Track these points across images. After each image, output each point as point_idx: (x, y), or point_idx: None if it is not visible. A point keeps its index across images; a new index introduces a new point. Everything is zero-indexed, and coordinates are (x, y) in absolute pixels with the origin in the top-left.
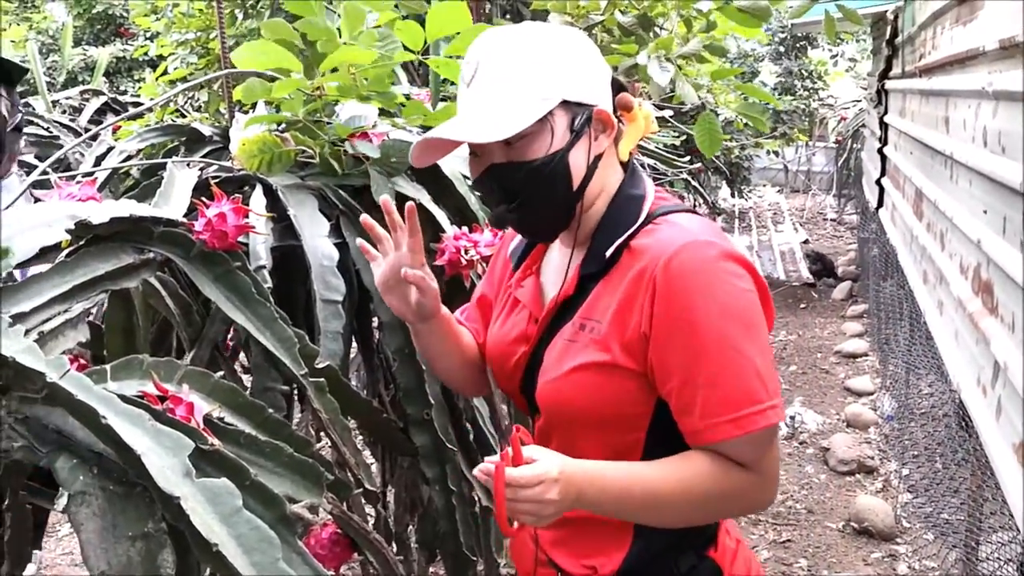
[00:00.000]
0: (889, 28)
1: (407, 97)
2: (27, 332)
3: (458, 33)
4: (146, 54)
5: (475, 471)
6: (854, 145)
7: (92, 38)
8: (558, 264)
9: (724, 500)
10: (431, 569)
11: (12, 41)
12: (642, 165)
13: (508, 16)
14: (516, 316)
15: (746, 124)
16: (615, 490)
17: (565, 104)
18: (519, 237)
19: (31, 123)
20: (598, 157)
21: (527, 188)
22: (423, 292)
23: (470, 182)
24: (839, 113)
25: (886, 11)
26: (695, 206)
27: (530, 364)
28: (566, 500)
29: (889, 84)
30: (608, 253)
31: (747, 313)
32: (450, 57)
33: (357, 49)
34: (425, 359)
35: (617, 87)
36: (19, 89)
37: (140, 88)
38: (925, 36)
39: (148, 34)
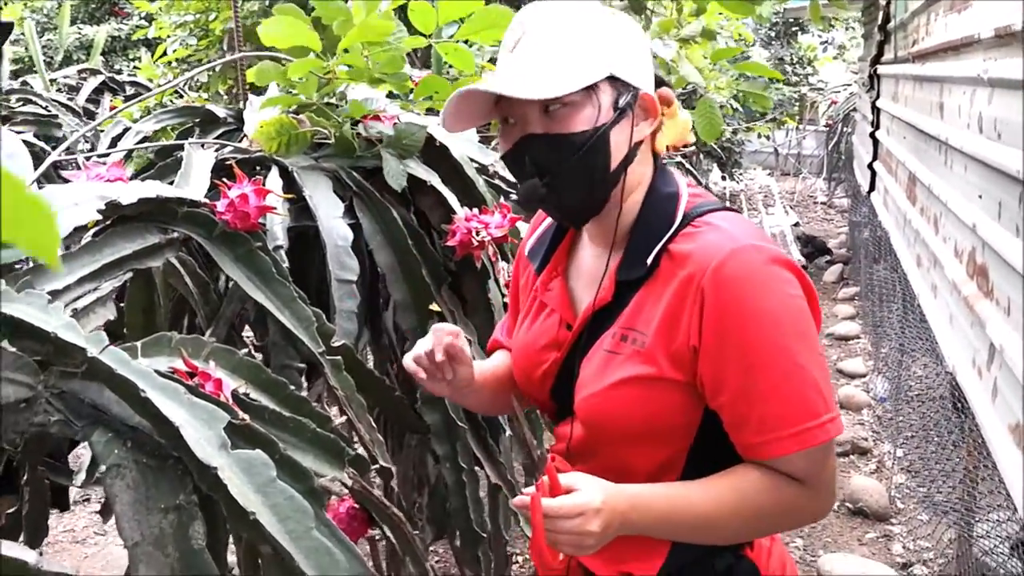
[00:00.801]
0: (881, 13)
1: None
2: (63, 308)
3: (464, 19)
4: (144, 35)
5: (512, 502)
6: (844, 129)
7: (87, 17)
8: (591, 267)
9: (778, 516)
10: (432, 547)
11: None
12: None
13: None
14: (545, 321)
15: (736, 109)
16: (662, 515)
17: (612, 80)
18: (535, 236)
19: (30, 102)
20: (638, 144)
21: (563, 162)
22: (459, 382)
23: (477, 165)
24: (829, 97)
25: None
26: None
27: (562, 372)
28: (609, 530)
29: (881, 69)
30: (649, 260)
31: (800, 321)
32: (458, 42)
33: (378, 23)
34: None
35: (658, 81)
36: (16, 68)
37: (138, 68)
38: (918, 22)
39: (142, 15)
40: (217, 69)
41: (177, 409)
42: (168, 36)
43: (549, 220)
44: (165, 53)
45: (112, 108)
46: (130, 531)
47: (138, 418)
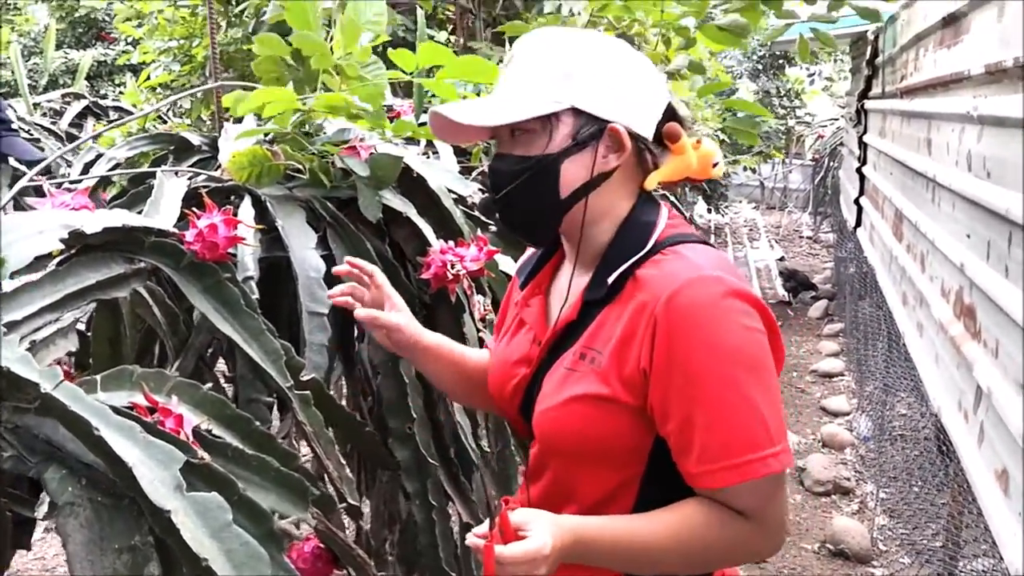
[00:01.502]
0: (870, 48)
1: (390, 108)
2: (20, 340)
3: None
4: (129, 60)
5: (467, 541)
6: (831, 163)
7: (74, 41)
8: (564, 287)
9: (724, 551)
10: None
11: None
12: None
13: (490, 29)
14: (521, 337)
15: (723, 141)
16: (610, 549)
17: (575, 111)
18: (526, 255)
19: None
20: (604, 175)
21: (512, 183)
22: (387, 329)
23: (455, 196)
24: (816, 131)
25: (866, 31)
26: None
27: (529, 388)
28: (557, 566)
29: (869, 104)
30: (611, 280)
31: (752, 354)
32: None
33: (352, 87)
34: (426, 374)
35: (669, 116)
36: (1, 91)
37: (123, 93)
38: (907, 57)
39: (129, 40)
40: (199, 95)
41: (131, 448)
42: (152, 61)
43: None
44: (149, 78)
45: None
46: (82, 571)
47: (93, 456)
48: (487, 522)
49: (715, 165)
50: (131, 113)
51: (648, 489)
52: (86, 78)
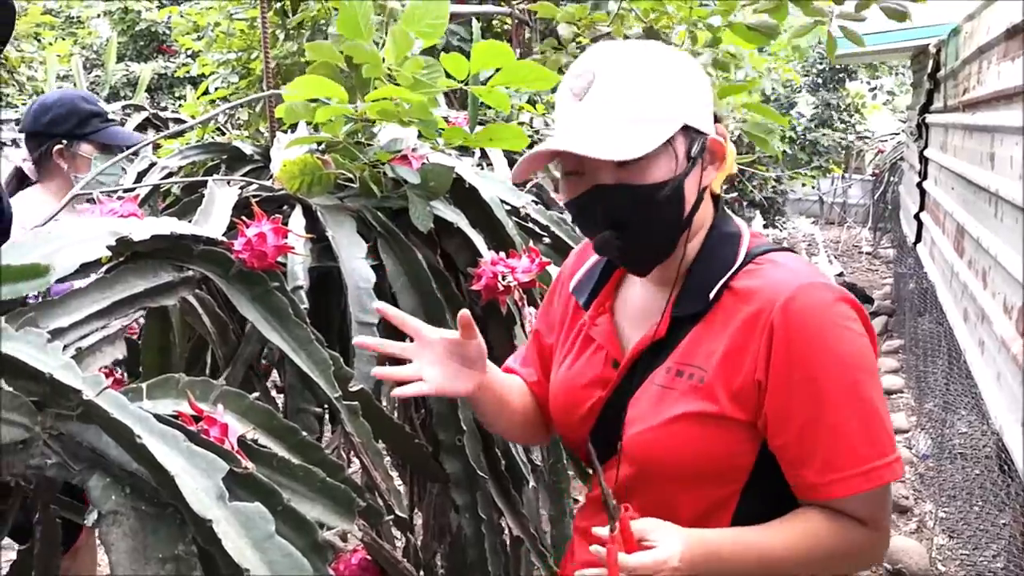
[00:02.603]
0: (931, 62)
1: (445, 120)
2: (65, 348)
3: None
4: (188, 72)
5: (590, 549)
6: (891, 178)
7: (135, 54)
8: (641, 304)
9: (844, 559)
10: None
11: (58, 55)
12: None
13: (543, 43)
14: (590, 358)
15: (784, 153)
16: (739, 563)
17: (685, 129)
18: (583, 270)
19: None
20: (704, 189)
21: (639, 214)
22: (468, 361)
23: (508, 207)
24: (876, 146)
25: (928, 44)
26: None
27: (606, 410)
28: None
29: (930, 118)
30: (712, 294)
31: (867, 358)
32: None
33: (402, 90)
34: (484, 422)
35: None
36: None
37: (182, 106)
38: (969, 70)
39: (189, 52)
40: (255, 107)
41: (175, 457)
42: (211, 74)
43: (596, 258)
44: (208, 91)
45: (156, 146)
46: None
47: (136, 464)
48: (608, 525)
49: None
50: (184, 122)
51: (746, 504)
52: (146, 90)
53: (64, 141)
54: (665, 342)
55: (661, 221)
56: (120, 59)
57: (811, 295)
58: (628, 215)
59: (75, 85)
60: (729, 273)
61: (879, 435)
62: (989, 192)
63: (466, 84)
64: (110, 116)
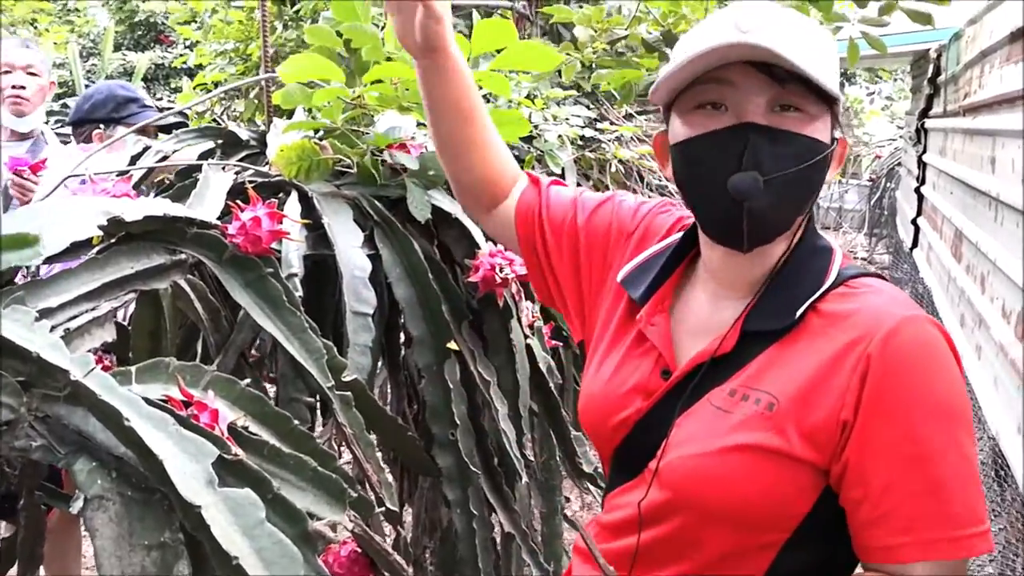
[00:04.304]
0: (932, 67)
1: None
2: (53, 328)
3: (501, 50)
4: (185, 63)
5: None
6: (888, 184)
7: (132, 43)
8: (704, 310)
9: None
10: None
11: (54, 43)
12: (669, 193)
13: (547, 37)
14: (638, 362)
15: None
16: None
17: (835, 108)
18: (635, 262)
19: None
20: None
21: (790, 166)
22: (430, 14)
23: None
24: (874, 151)
25: (928, 49)
26: None
27: (644, 425)
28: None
29: (929, 123)
30: (800, 312)
31: (969, 411)
32: (495, 71)
33: (401, 64)
34: (427, 109)
35: None
36: (60, 91)
37: (177, 97)
38: (971, 75)
39: (187, 42)
40: (251, 96)
41: (163, 440)
42: (208, 64)
43: (655, 248)
44: (204, 83)
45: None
46: (110, 568)
47: (124, 448)
48: None
49: None
50: (185, 116)
51: (788, 557)
52: (143, 80)
53: (102, 125)
54: (730, 358)
55: (804, 184)
56: (117, 48)
57: (916, 330)
58: (777, 162)
59: (71, 73)
60: (820, 292)
61: (976, 500)
62: (989, 196)
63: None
64: (147, 103)
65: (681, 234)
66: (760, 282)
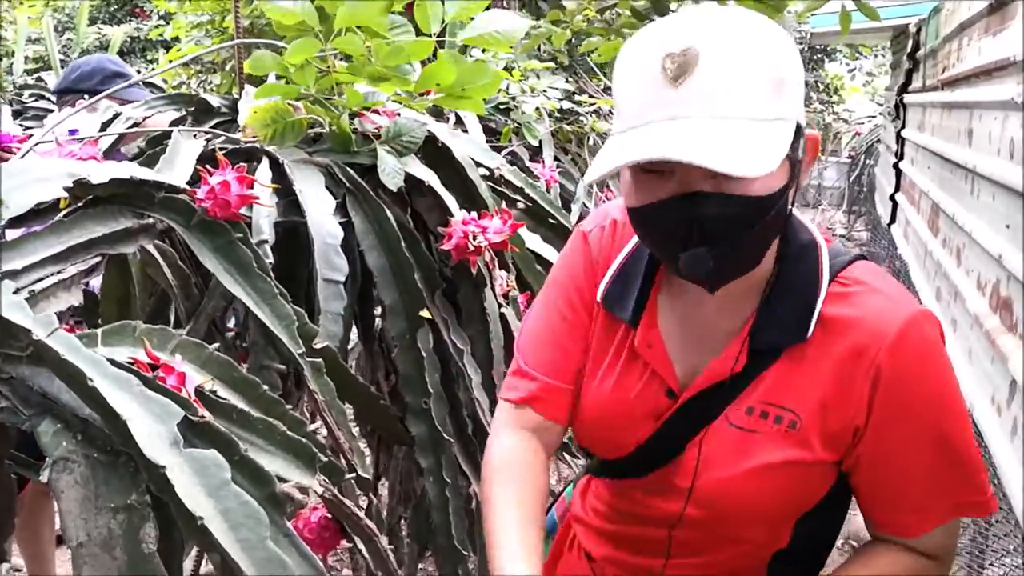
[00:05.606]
0: (911, 41)
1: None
2: (17, 291)
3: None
4: (161, 35)
5: None
6: (867, 161)
7: (108, 17)
8: (697, 321)
9: None
10: (420, 566)
11: (29, 17)
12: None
13: (525, 9)
14: (641, 385)
15: None
16: None
17: (796, 127)
18: (609, 276)
19: (42, 97)
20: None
21: (742, 229)
22: None
23: (483, 172)
24: (853, 128)
25: (908, 24)
26: None
27: (653, 443)
28: None
29: (908, 98)
30: (811, 329)
31: (961, 393)
32: (465, 48)
33: (376, 46)
34: None
35: None
36: (36, 66)
37: (154, 68)
38: (950, 48)
39: (162, 14)
40: (228, 68)
41: (127, 401)
42: (184, 36)
43: (622, 258)
44: (181, 54)
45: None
46: (75, 530)
47: (89, 410)
48: None
49: None
50: (161, 88)
51: (800, 529)
52: (118, 53)
53: (87, 96)
54: (738, 374)
55: (764, 236)
56: (92, 22)
57: (918, 333)
58: (729, 230)
59: (46, 48)
60: (821, 299)
61: (979, 478)
62: (966, 169)
63: (442, 37)
64: (134, 81)
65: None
66: (754, 287)
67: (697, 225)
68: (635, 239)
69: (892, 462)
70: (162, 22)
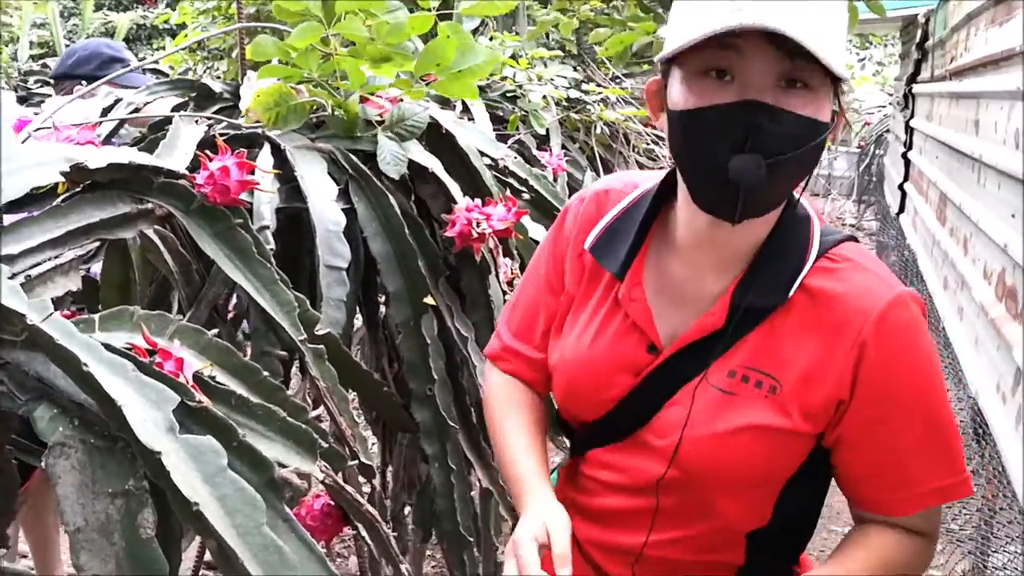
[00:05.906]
0: (919, 32)
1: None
2: (14, 276)
3: None
4: (167, 22)
5: None
6: (877, 151)
7: (114, 3)
8: (682, 281)
9: (909, 570)
10: (427, 552)
11: (34, 3)
12: (656, 157)
13: None
14: (621, 337)
15: None
16: None
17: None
18: (600, 227)
19: (47, 83)
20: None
21: (796, 149)
22: None
23: (488, 159)
24: (863, 118)
25: (917, 14)
26: None
27: (631, 402)
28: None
29: (917, 88)
30: (791, 292)
31: (942, 377)
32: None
33: (376, 25)
34: None
35: None
36: (41, 52)
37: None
38: (957, 38)
39: (168, 1)
40: (234, 55)
41: (123, 387)
42: (191, 23)
43: (614, 213)
44: (188, 41)
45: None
46: (72, 516)
47: (85, 395)
48: None
49: None
50: (167, 76)
51: (783, 502)
52: (125, 40)
53: (84, 81)
54: (721, 333)
55: (803, 166)
56: (98, 8)
57: (903, 311)
58: (783, 146)
59: (51, 34)
60: (807, 268)
61: (956, 455)
62: (973, 158)
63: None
64: (132, 64)
65: (641, 196)
66: (744, 253)
67: (755, 133)
68: (627, 200)
69: (878, 436)
70: (168, 9)
